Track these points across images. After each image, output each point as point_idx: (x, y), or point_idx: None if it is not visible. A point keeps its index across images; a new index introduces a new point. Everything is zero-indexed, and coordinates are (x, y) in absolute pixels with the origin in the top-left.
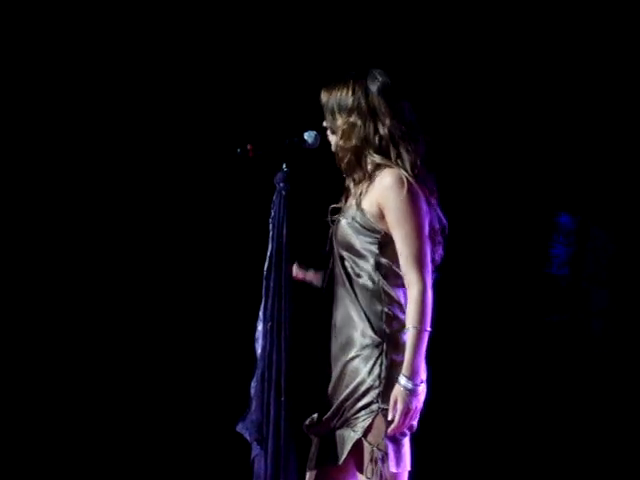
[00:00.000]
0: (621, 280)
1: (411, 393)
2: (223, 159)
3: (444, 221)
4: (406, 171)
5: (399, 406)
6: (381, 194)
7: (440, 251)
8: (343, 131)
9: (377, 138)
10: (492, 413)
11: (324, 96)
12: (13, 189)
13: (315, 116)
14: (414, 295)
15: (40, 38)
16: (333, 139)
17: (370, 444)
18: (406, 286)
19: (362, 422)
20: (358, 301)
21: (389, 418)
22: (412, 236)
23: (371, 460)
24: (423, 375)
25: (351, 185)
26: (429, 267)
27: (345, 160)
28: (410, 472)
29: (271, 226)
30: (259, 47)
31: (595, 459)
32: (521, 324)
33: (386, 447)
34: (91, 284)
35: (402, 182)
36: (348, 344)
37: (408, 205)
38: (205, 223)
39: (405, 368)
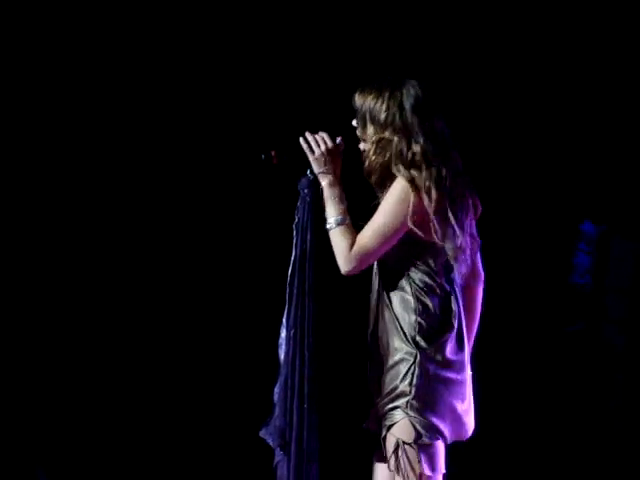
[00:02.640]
0: None
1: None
2: (247, 165)
3: (477, 240)
4: (430, 186)
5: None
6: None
7: (463, 269)
8: (376, 145)
9: (410, 154)
10: (512, 421)
11: (359, 100)
12: (33, 189)
13: (339, 122)
14: (351, 248)
15: (44, 40)
16: (363, 145)
17: (395, 437)
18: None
19: (391, 419)
20: (393, 311)
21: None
22: (377, 229)
23: (396, 455)
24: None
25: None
26: (369, 261)
27: (376, 175)
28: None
29: (295, 232)
30: (286, 54)
31: (611, 467)
32: (543, 332)
33: (412, 446)
34: (109, 290)
35: (405, 185)
36: (389, 352)
37: (394, 202)
38: (230, 229)
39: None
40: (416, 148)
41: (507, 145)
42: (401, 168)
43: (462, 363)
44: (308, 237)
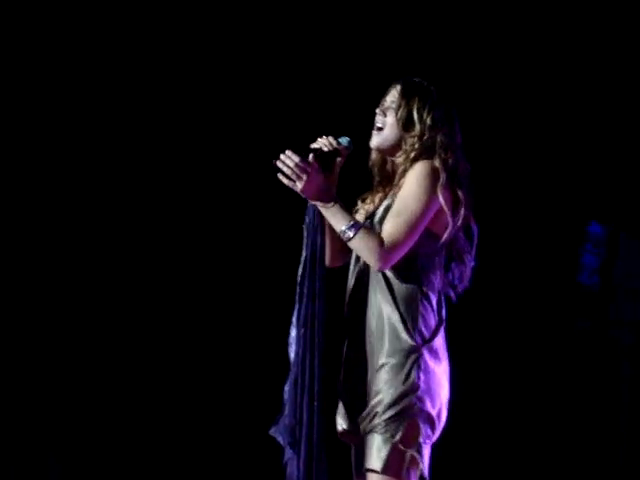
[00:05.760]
0: None
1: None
2: (259, 169)
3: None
4: (460, 184)
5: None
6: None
7: (466, 271)
8: (420, 141)
9: (450, 153)
10: (519, 420)
11: (401, 99)
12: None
13: (348, 122)
14: (380, 243)
15: (45, 40)
16: (390, 139)
17: (406, 448)
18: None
19: (398, 427)
20: (395, 302)
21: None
22: (405, 214)
23: (406, 464)
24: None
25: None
26: (402, 252)
27: (402, 168)
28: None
29: (305, 232)
30: (297, 61)
31: (616, 464)
32: (551, 332)
33: (421, 452)
34: (120, 291)
35: (433, 164)
36: (381, 348)
37: (422, 180)
38: (241, 230)
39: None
40: (454, 147)
41: (514, 146)
42: (440, 163)
43: (447, 360)
44: (318, 238)
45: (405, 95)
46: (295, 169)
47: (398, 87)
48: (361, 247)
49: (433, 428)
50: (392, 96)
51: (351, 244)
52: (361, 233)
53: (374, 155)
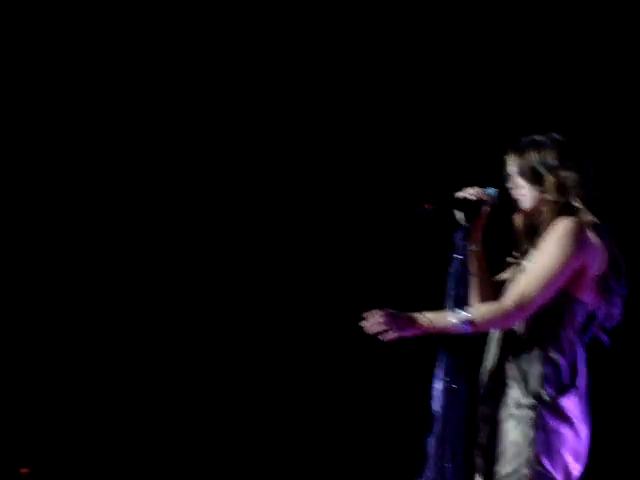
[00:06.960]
0: None
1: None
2: (404, 219)
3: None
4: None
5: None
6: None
7: (614, 309)
8: (556, 185)
9: (584, 182)
10: None
11: (518, 160)
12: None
13: (492, 173)
14: (498, 305)
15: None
16: (531, 198)
17: None
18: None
19: None
20: (518, 360)
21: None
22: (541, 270)
23: None
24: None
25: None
26: (531, 308)
27: (546, 217)
28: None
29: (449, 284)
30: (434, 111)
31: None
32: None
33: None
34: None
35: (573, 224)
36: (501, 406)
37: (561, 240)
38: (384, 280)
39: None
40: (587, 180)
41: None
42: (579, 200)
43: (582, 421)
44: (461, 290)
45: (519, 155)
46: (388, 322)
47: (510, 155)
48: (486, 320)
49: None
50: (510, 165)
51: (476, 325)
52: (474, 310)
53: (517, 221)
